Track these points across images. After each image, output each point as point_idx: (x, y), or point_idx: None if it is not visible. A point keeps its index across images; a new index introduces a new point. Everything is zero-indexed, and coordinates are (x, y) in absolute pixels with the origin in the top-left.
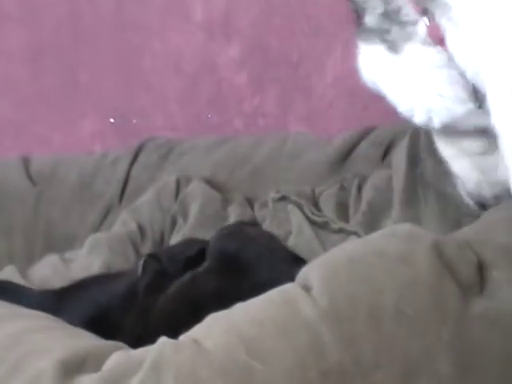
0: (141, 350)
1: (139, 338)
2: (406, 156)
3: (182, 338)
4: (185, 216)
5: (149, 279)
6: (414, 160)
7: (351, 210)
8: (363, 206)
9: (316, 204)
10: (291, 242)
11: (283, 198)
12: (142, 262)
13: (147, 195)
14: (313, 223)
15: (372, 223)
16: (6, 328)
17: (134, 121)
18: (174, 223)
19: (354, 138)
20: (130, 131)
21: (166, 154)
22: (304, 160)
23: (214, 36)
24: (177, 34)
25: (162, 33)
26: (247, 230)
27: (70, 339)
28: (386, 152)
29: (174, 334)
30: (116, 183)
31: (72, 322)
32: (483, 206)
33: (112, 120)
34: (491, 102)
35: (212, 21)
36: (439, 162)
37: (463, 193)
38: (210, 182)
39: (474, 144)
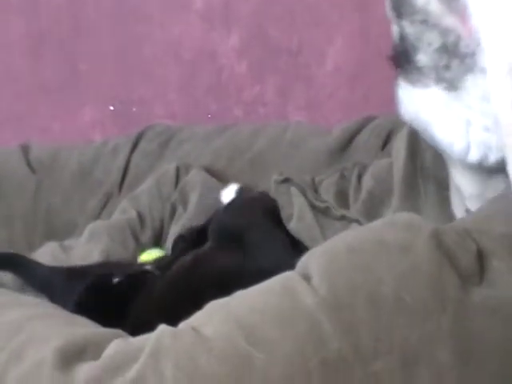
0: (140, 338)
1: (140, 324)
2: (405, 145)
3: (182, 325)
4: (184, 204)
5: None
6: (413, 149)
7: (351, 199)
8: (363, 195)
9: (316, 192)
10: (292, 226)
11: (286, 181)
12: (172, 242)
13: (147, 183)
14: (315, 208)
15: (372, 212)
16: (5, 316)
17: (134, 109)
18: (173, 211)
19: (354, 127)
20: (129, 119)
21: (165, 141)
22: (304, 149)
23: (213, 25)
24: (177, 22)
25: (162, 21)
26: (250, 205)
27: (69, 327)
28: (386, 141)
29: (174, 320)
30: (116, 171)
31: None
32: None
33: (112, 108)
34: (490, 85)
35: (212, 9)
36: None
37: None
38: (210, 170)
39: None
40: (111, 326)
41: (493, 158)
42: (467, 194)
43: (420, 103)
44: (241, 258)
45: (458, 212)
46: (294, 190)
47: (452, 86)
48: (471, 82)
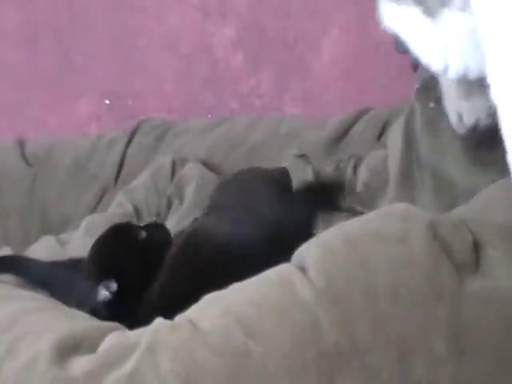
0: (137, 332)
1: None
2: (401, 136)
3: (178, 318)
4: (180, 197)
5: None
6: (409, 140)
7: (346, 191)
8: (359, 186)
9: None
10: None
11: (303, 156)
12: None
13: (143, 177)
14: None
15: (368, 204)
16: (2, 309)
17: (130, 102)
18: (169, 204)
19: (349, 118)
20: (125, 112)
21: (161, 135)
22: (299, 141)
23: (209, 16)
24: (172, 14)
25: (157, 14)
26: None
27: (65, 320)
28: (382, 132)
29: (172, 310)
30: (111, 165)
31: (81, 292)
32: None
33: (107, 101)
34: (490, 72)
35: (208, 1)
36: (435, 142)
37: (455, 122)
38: (206, 163)
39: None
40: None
41: (472, 76)
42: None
43: (401, 21)
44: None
45: None
46: (308, 168)
47: (429, 12)
48: (448, 16)
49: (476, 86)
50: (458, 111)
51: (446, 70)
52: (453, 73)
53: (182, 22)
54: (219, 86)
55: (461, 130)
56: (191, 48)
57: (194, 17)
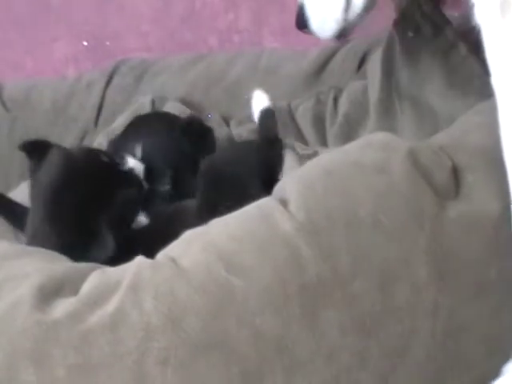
0: (117, 270)
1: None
2: (380, 66)
3: (159, 256)
4: None
5: None
6: (389, 70)
7: (327, 123)
8: (339, 118)
9: (293, 118)
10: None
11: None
12: None
13: (123, 117)
14: (304, 157)
15: (349, 135)
16: None
17: (108, 43)
18: None
19: (328, 50)
20: (103, 53)
21: (140, 75)
22: (279, 74)
23: None
24: None
25: None
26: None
27: (46, 263)
28: (362, 63)
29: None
30: (91, 107)
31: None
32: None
33: (85, 43)
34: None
35: None
36: (414, 70)
37: None
38: (186, 102)
39: None
40: None
41: None
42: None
43: None
44: None
45: None
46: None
47: None
48: None
49: None
50: None
51: None
52: None
53: None
54: (197, 22)
55: None
56: None
57: None
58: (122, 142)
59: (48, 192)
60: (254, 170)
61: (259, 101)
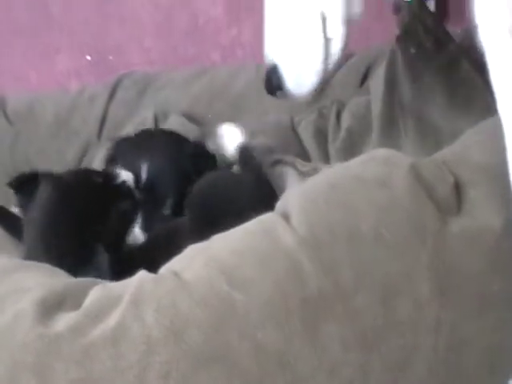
0: (119, 284)
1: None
2: (383, 81)
3: (162, 270)
4: None
5: None
6: (391, 85)
7: (330, 137)
8: (342, 132)
9: (295, 132)
10: None
11: (277, 162)
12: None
13: (125, 132)
14: (304, 174)
15: (351, 150)
16: None
17: (110, 57)
18: None
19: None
20: (106, 67)
21: (143, 89)
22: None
23: None
24: None
25: None
26: (231, 182)
27: (47, 278)
28: (365, 78)
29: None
30: (94, 120)
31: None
32: None
33: (88, 57)
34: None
35: None
36: (416, 87)
37: None
38: (189, 116)
39: None
40: None
41: None
42: None
43: None
44: None
45: None
46: (286, 168)
47: None
48: None
49: None
50: None
51: None
52: None
53: None
54: (200, 37)
55: None
56: (171, 0)
57: None
58: (127, 154)
59: (42, 219)
60: (245, 204)
61: (231, 135)
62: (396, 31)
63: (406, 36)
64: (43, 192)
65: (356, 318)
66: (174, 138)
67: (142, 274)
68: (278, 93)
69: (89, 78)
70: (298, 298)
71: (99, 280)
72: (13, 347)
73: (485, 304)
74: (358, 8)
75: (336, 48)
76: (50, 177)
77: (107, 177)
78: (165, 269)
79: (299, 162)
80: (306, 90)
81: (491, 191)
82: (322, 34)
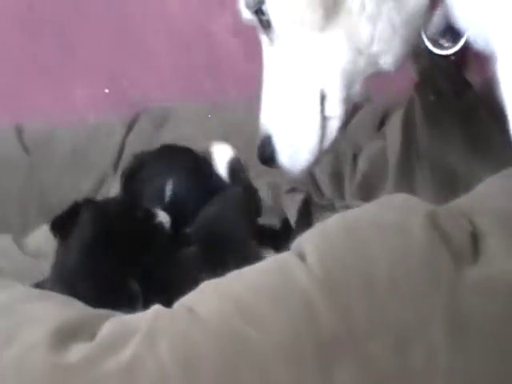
0: (135, 317)
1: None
2: (400, 128)
3: (177, 305)
4: None
5: None
6: (409, 132)
7: (346, 180)
8: (358, 177)
9: (312, 174)
10: None
11: (293, 190)
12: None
13: None
14: (320, 207)
15: (367, 194)
16: None
17: (129, 90)
18: None
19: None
20: (124, 100)
21: (160, 123)
22: None
23: (207, 3)
24: (172, 2)
25: (157, 2)
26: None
27: (62, 308)
28: (382, 123)
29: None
30: (111, 153)
31: None
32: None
33: (107, 90)
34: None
35: None
36: (434, 133)
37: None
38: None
39: None
40: None
41: None
42: None
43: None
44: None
45: None
46: (298, 197)
47: None
48: None
49: None
50: None
51: None
52: None
53: (180, 9)
54: (218, 72)
55: None
56: (189, 35)
57: (193, 4)
58: (150, 171)
59: (81, 246)
60: (239, 221)
61: (222, 153)
62: (414, 79)
63: (425, 83)
64: (86, 220)
65: (369, 364)
66: (195, 155)
67: (157, 308)
68: (271, 164)
69: (107, 110)
70: (312, 341)
71: (113, 312)
72: (27, 376)
73: (499, 353)
74: (357, 88)
75: (333, 127)
76: (93, 205)
77: (148, 213)
78: (179, 304)
79: (316, 195)
80: (300, 167)
81: (509, 241)
82: (320, 113)
